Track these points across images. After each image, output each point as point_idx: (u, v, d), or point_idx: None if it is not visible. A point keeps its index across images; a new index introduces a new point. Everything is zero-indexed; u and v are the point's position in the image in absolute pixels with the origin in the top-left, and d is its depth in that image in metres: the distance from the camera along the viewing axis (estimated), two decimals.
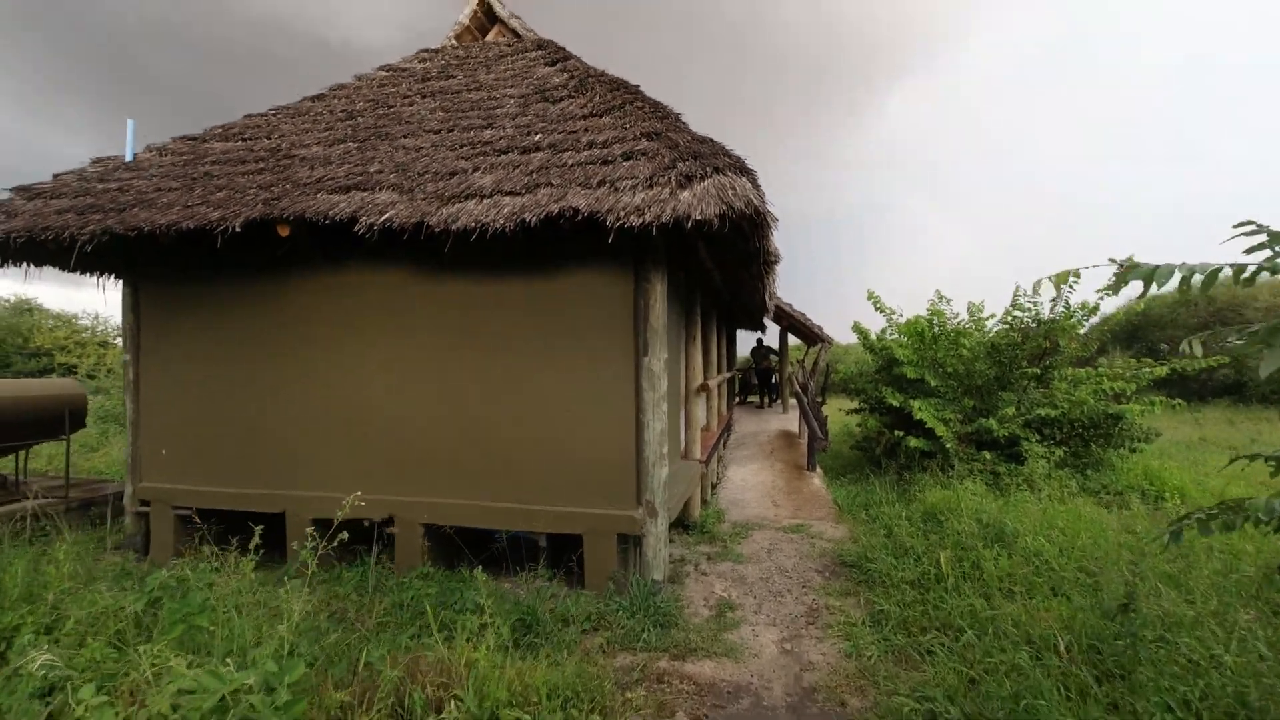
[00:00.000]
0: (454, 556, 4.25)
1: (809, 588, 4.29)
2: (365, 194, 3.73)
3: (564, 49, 6.00)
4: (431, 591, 3.71)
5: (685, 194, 3.13)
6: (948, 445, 6.53)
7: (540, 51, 6.04)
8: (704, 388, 5.75)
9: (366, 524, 4.29)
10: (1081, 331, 6.94)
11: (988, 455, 6.38)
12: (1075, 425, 6.60)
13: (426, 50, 6.76)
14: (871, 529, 5.44)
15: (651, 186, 3.25)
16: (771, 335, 15.47)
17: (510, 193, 3.51)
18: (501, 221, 3.28)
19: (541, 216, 3.25)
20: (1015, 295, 7.06)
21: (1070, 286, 6.38)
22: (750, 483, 7.56)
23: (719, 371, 10.30)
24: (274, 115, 5.28)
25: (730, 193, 3.05)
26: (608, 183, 3.37)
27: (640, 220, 3.08)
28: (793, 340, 16.18)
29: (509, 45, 6.45)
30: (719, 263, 6.06)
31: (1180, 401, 6.93)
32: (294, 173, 4.09)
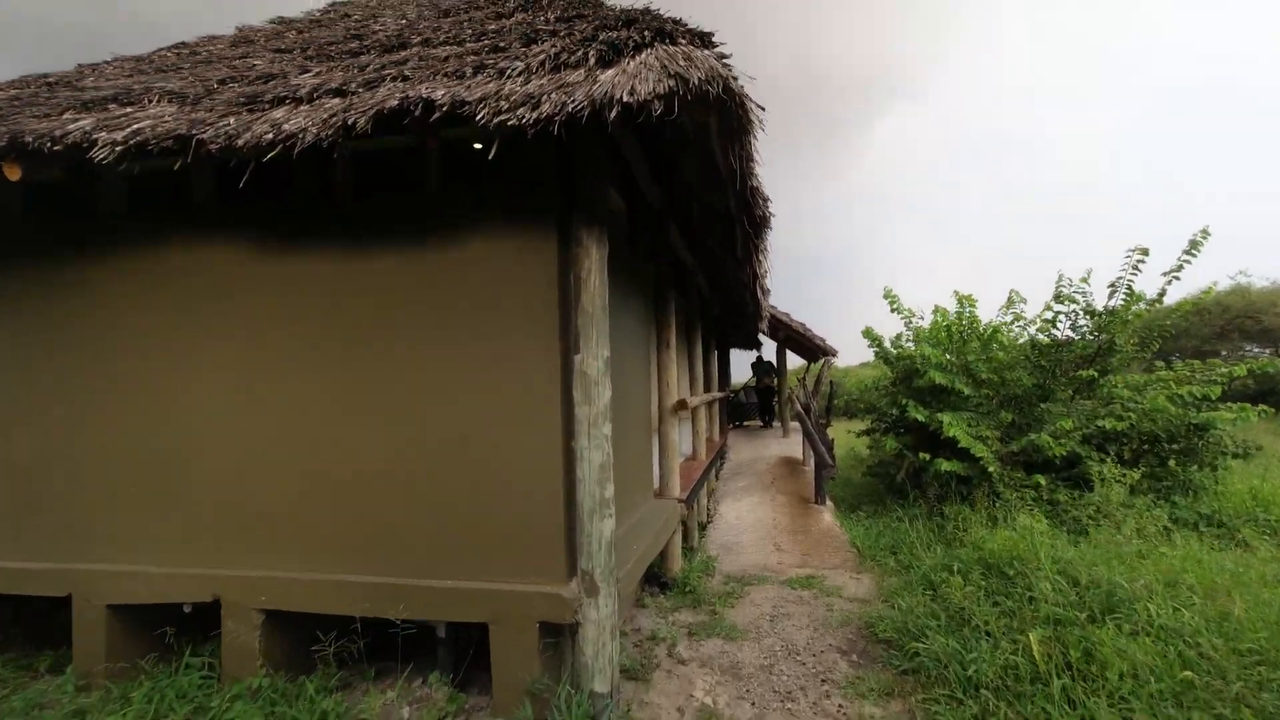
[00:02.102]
0: (308, 656, 2.92)
1: (831, 682, 2.96)
2: (128, 110, 2.53)
3: None
4: None
5: (610, 72, 1.96)
6: (989, 468, 5.24)
7: None
8: (683, 405, 4.49)
9: (188, 610, 2.98)
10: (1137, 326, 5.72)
11: (1041, 480, 5.08)
12: (1147, 439, 5.33)
13: None
14: (907, 584, 4.12)
15: (558, 69, 2.08)
16: (769, 354, 14.26)
17: (338, 92, 2.32)
18: (315, 130, 2.08)
19: (371, 115, 2.05)
20: (1058, 284, 5.85)
21: (1136, 268, 5.19)
22: (747, 520, 6.23)
23: (705, 389, 9.05)
24: (119, 63, 4.11)
25: (683, 63, 1.87)
26: (489, 68, 2.19)
27: (534, 115, 1.88)
28: (792, 363, 14.97)
29: None
30: (689, 231, 4.88)
31: (1267, 408, 5.67)
32: (55, 99, 2.88)
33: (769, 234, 3.29)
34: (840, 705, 2.72)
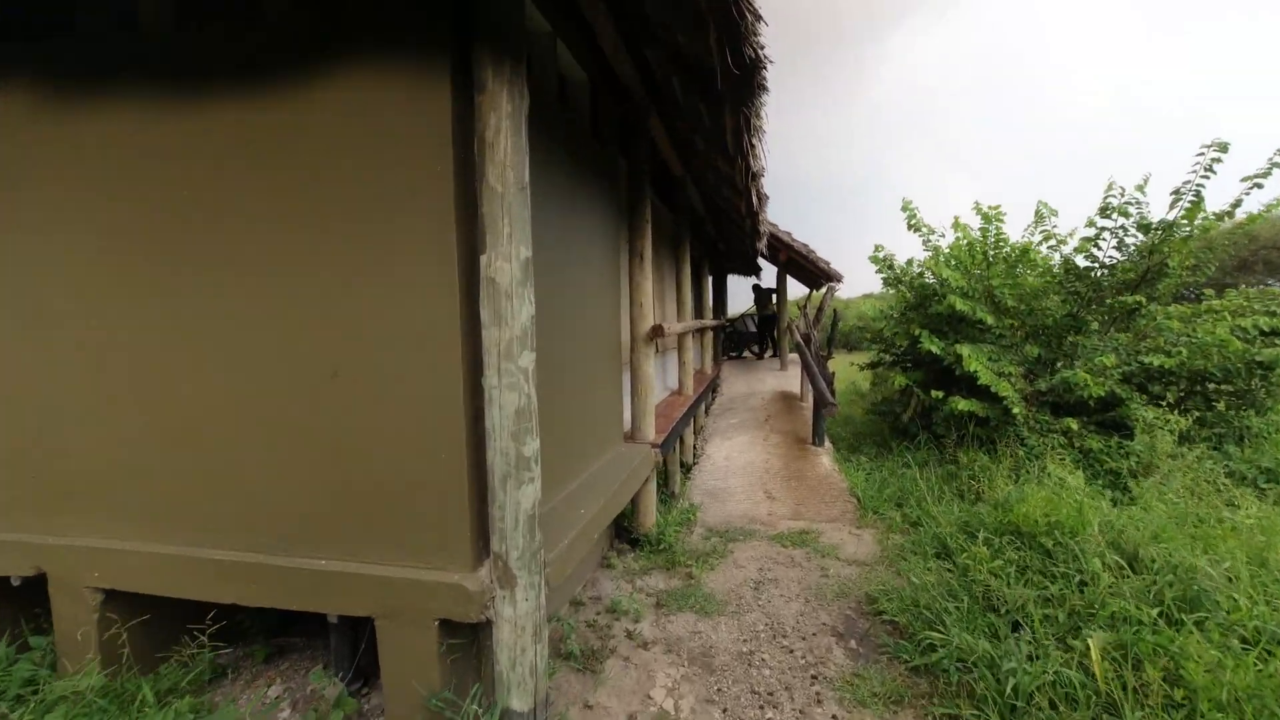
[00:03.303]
0: (172, 641, 2.32)
1: (824, 680, 2.38)
2: None
3: None
4: None
5: None
6: (1014, 409, 4.56)
7: None
8: (659, 332, 3.74)
9: (16, 584, 2.35)
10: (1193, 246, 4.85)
11: (1073, 424, 4.41)
12: (1195, 379, 4.62)
13: None
14: (915, 545, 3.52)
15: None
16: (769, 280, 13.37)
17: None
18: None
19: None
20: (1107, 194, 4.95)
21: (1210, 170, 4.27)
22: (737, 463, 5.63)
23: (697, 315, 8.28)
24: None
25: None
26: None
27: None
28: (794, 293, 14.07)
29: None
30: (674, 131, 3.98)
31: None
32: None
33: (765, 99, 2.42)
34: (835, 717, 2.14)
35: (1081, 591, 2.34)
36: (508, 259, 1.76)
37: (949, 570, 3.02)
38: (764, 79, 2.36)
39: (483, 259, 1.78)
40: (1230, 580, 2.26)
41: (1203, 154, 4.28)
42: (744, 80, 2.22)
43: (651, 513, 3.87)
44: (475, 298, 1.83)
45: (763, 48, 2.07)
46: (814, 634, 2.76)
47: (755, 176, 3.63)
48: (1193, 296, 6.03)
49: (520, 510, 1.81)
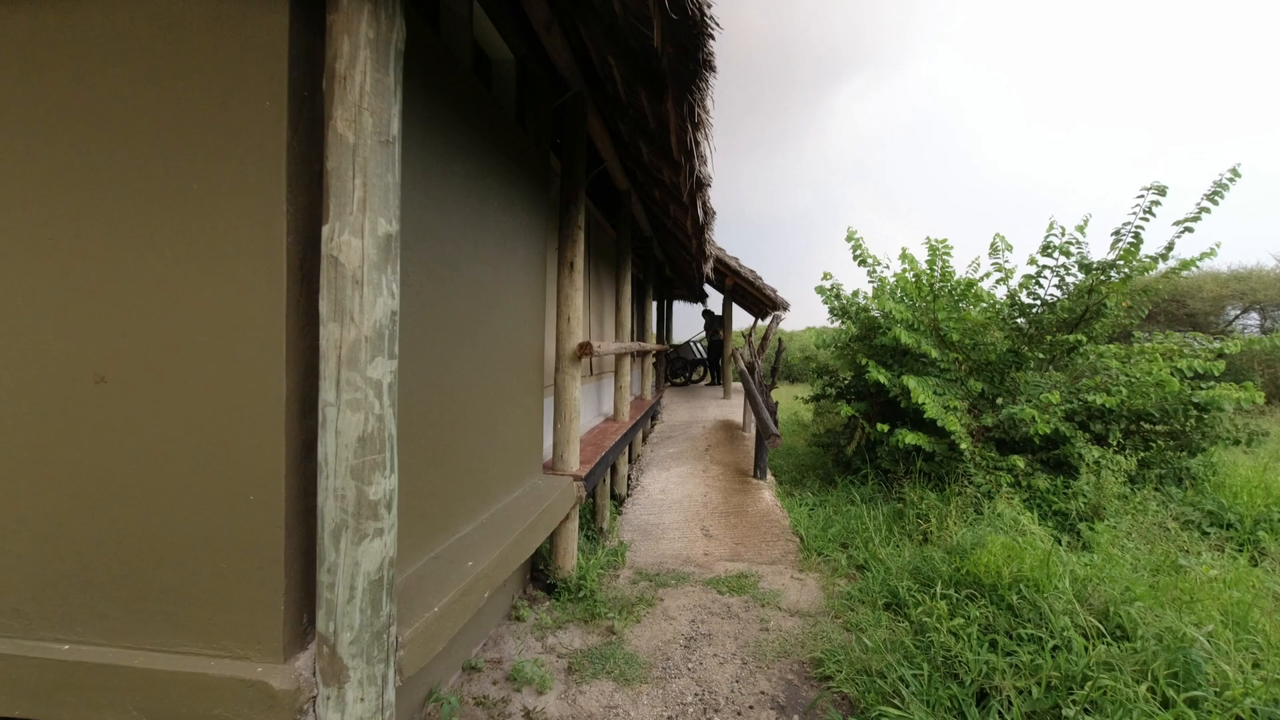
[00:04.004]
0: None
1: None
2: None
3: None
4: None
5: None
6: (961, 445, 4.36)
7: None
8: (586, 350, 3.31)
9: None
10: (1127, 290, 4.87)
11: (1019, 461, 4.24)
12: (1135, 419, 4.57)
13: None
14: (863, 592, 3.18)
15: None
16: (717, 307, 13.22)
17: None
18: None
19: None
20: (1048, 234, 4.93)
21: (1149, 213, 4.26)
22: (674, 496, 5.22)
23: (639, 337, 7.93)
24: None
25: None
26: None
27: None
28: (740, 324, 13.97)
29: None
30: (616, 134, 3.65)
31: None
32: None
33: (712, 82, 2.08)
34: None
35: (1053, 656, 2.02)
36: (358, 232, 1.30)
37: (902, 625, 2.68)
38: (710, 55, 2.02)
39: (324, 231, 1.31)
40: (1215, 647, 1.99)
41: (1142, 196, 4.29)
42: (687, 50, 1.87)
43: (572, 554, 3.38)
44: (314, 284, 1.36)
45: (709, 5, 1.72)
46: (751, 707, 2.33)
47: (701, 185, 3.30)
48: (1121, 339, 6.13)
49: (360, 574, 1.31)
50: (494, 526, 2.40)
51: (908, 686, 2.12)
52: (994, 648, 2.22)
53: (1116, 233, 4.48)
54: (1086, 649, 2.00)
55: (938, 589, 2.66)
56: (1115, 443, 4.42)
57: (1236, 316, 21.44)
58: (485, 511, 2.50)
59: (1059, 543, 3.26)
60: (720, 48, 1.78)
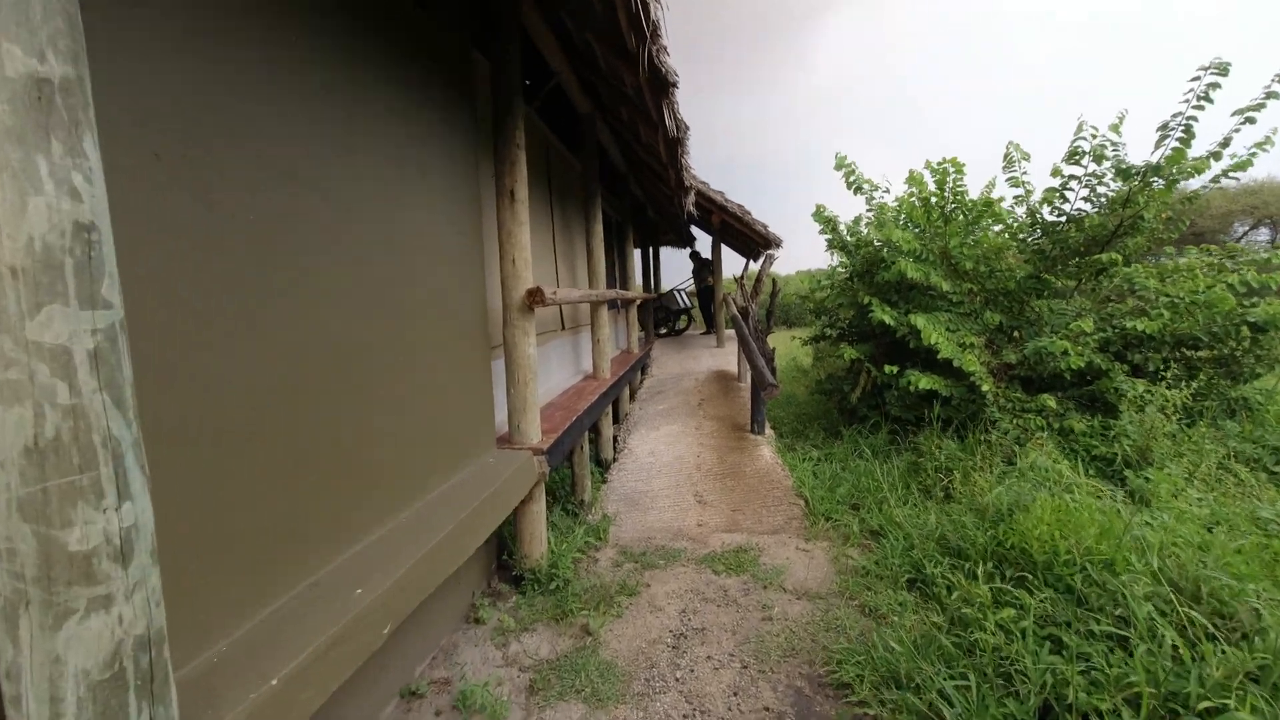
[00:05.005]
0: None
1: None
2: None
3: None
4: None
5: None
6: (982, 387, 3.83)
7: None
8: (538, 299, 2.71)
9: None
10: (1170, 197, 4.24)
11: (1050, 401, 3.72)
12: (1180, 344, 4.03)
13: None
14: (882, 566, 2.71)
15: None
16: (705, 250, 12.50)
17: None
18: None
19: None
20: (1076, 136, 4.25)
21: (1205, 98, 3.59)
22: (663, 457, 4.72)
23: (620, 284, 7.32)
24: None
25: None
26: None
27: None
28: (732, 268, 13.25)
29: None
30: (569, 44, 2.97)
31: None
32: None
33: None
34: None
35: (1148, 668, 1.52)
36: None
37: (933, 612, 2.20)
38: None
39: None
40: None
41: (1198, 78, 3.60)
42: None
43: (540, 539, 2.89)
44: None
45: None
46: None
47: (664, 82, 2.63)
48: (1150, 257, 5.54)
49: (67, 674, 0.77)
50: (415, 527, 1.87)
51: (951, 706, 1.64)
52: (1059, 649, 1.73)
53: (1163, 126, 3.82)
54: (1192, 656, 1.50)
55: (977, 567, 2.16)
56: (1156, 373, 3.90)
57: (1245, 232, 20.77)
58: (406, 508, 1.96)
59: (1129, 505, 2.76)
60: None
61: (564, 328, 4.93)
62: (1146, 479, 2.86)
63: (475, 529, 2.15)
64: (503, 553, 2.96)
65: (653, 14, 2.02)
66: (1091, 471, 3.20)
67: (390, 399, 1.89)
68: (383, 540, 1.76)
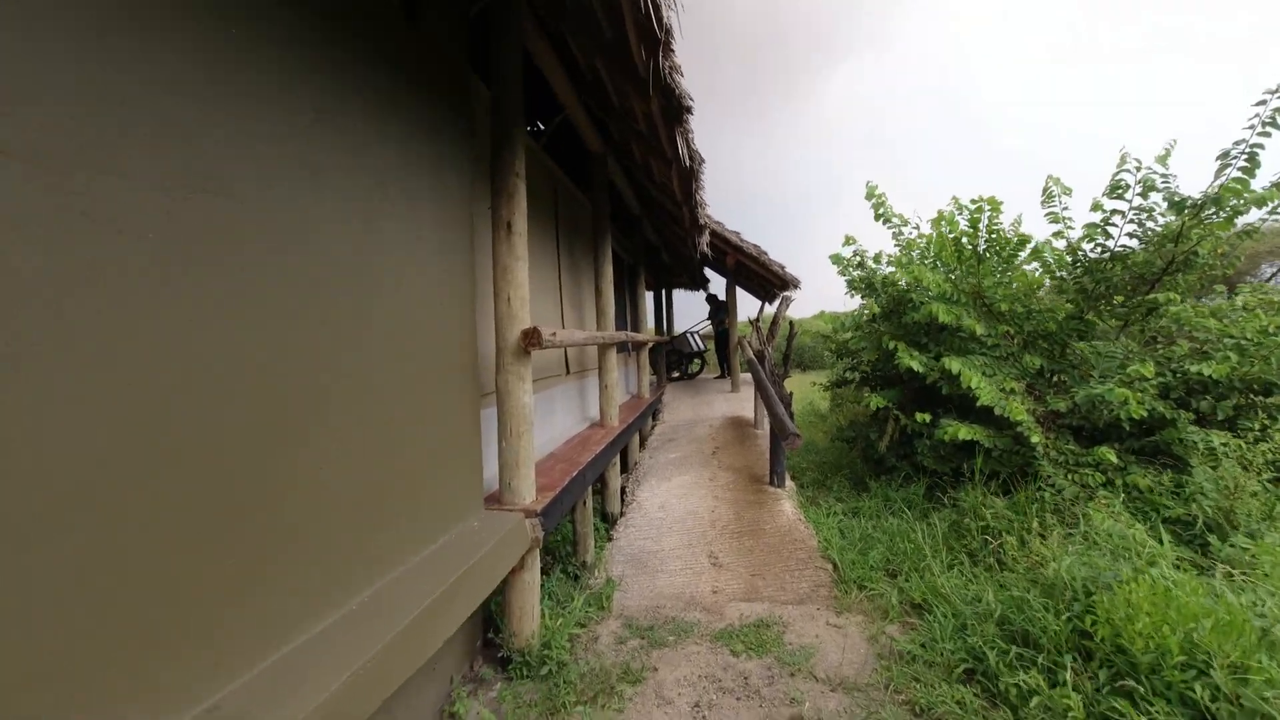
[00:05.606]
0: None
1: None
2: None
3: None
4: None
5: None
6: (1032, 438, 3.45)
7: None
8: (534, 340, 2.43)
9: None
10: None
11: (1110, 455, 3.32)
12: (1250, 390, 3.63)
13: None
14: (930, 650, 2.30)
15: None
16: (720, 293, 12.29)
17: None
18: None
19: None
20: (1119, 169, 3.98)
21: (1274, 122, 3.29)
22: (675, 512, 4.34)
23: (631, 326, 7.06)
24: None
25: None
26: None
27: None
28: (747, 311, 12.99)
29: None
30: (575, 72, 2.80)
31: None
32: None
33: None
34: None
35: None
36: None
37: (1000, 715, 1.79)
38: None
39: None
40: None
41: (1264, 101, 3.32)
42: None
43: (531, 614, 2.52)
44: None
45: None
46: None
47: (678, 105, 2.41)
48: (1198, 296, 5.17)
49: None
50: (373, 612, 1.55)
51: None
52: None
53: (1224, 154, 3.52)
54: None
55: (1061, 663, 1.76)
56: (1227, 421, 3.50)
57: (1274, 274, 20.20)
58: (364, 588, 1.64)
59: (1199, 570, 2.35)
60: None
61: (569, 372, 4.65)
62: (1242, 547, 2.45)
63: (452, 609, 1.81)
64: (489, 628, 2.59)
65: (665, 18, 1.80)
66: (1168, 538, 2.78)
67: (354, 455, 1.60)
68: (326, 634, 1.43)
